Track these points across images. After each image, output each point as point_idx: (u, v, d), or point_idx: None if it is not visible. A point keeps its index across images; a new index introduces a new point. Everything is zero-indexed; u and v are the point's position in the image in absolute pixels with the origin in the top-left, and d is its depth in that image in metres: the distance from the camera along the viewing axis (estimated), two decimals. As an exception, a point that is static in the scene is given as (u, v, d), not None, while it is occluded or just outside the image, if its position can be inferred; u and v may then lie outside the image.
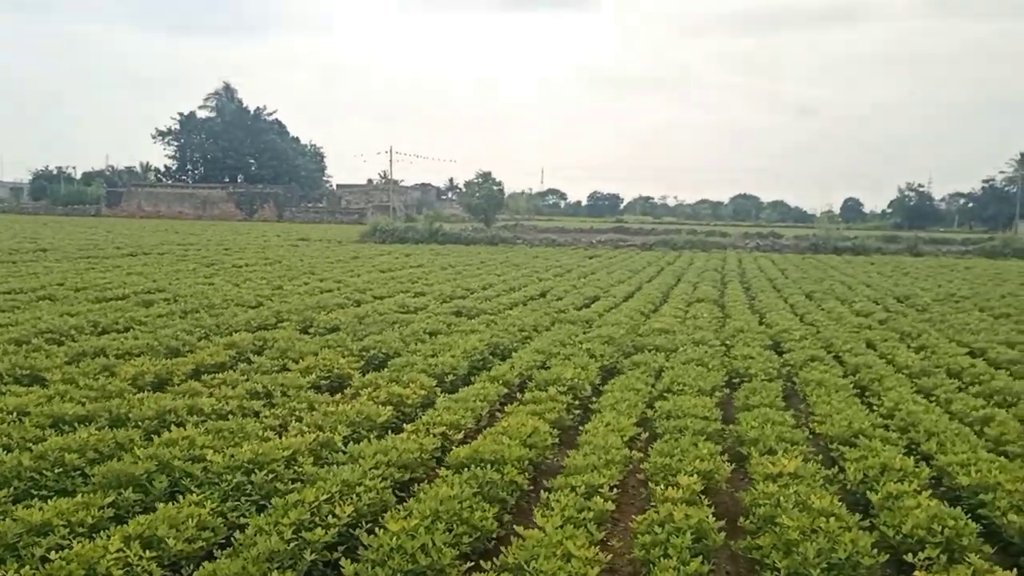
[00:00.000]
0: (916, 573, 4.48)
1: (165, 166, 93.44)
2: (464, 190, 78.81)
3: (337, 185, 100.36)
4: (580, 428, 7.34)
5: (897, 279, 26.64)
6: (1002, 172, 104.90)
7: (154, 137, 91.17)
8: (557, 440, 7.07)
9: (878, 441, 6.72)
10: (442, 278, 22.06)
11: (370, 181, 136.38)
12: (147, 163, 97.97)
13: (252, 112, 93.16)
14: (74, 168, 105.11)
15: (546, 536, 4.61)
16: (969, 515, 5.24)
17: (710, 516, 5.03)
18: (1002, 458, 6.45)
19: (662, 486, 5.58)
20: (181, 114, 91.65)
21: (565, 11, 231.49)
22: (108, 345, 9.89)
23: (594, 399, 8.42)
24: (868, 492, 5.65)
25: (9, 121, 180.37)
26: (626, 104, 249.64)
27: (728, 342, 12.42)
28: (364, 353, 10.34)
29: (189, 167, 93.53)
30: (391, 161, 76.74)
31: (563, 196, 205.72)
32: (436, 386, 8.72)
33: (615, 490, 5.75)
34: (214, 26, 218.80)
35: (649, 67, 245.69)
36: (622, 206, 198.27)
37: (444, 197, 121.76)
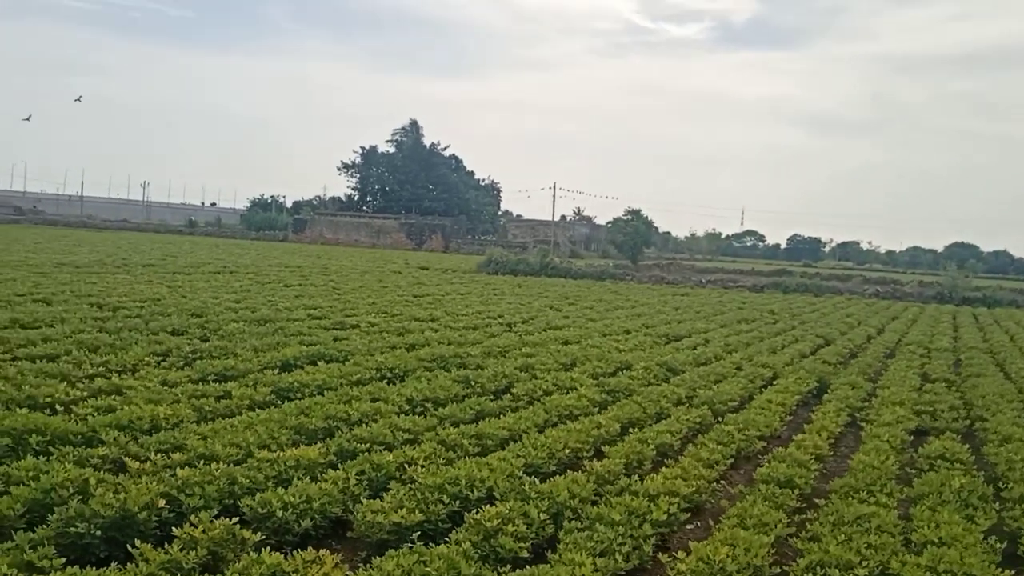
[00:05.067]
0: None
1: (347, 196, 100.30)
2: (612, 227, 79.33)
3: (506, 219, 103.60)
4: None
5: (940, 331, 25.09)
6: None
7: (339, 169, 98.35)
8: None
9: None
10: (455, 306, 23.01)
11: (564, 217, 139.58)
12: (343, 195, 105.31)
13: (428, 147, 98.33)
14: (284, 197, 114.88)
15: None
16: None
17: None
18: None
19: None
20: (363, 148, 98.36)
21: (771, 51, 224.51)
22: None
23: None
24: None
25: (241, 155, 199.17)
26: (837, 146, 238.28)
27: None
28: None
29: (368, 198, 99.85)
30: (554, 197, 78.15)
31: (761, 238, 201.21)
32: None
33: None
34: (428, 66, 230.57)
35: (862, 108, 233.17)
36: (826, 249, 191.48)
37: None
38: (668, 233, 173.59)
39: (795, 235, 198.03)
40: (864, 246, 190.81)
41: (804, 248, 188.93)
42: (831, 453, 9.09)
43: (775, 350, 17.62)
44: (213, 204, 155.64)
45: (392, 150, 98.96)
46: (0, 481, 6.03)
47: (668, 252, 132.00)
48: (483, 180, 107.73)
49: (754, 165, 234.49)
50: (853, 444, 9.95)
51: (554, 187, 78.17)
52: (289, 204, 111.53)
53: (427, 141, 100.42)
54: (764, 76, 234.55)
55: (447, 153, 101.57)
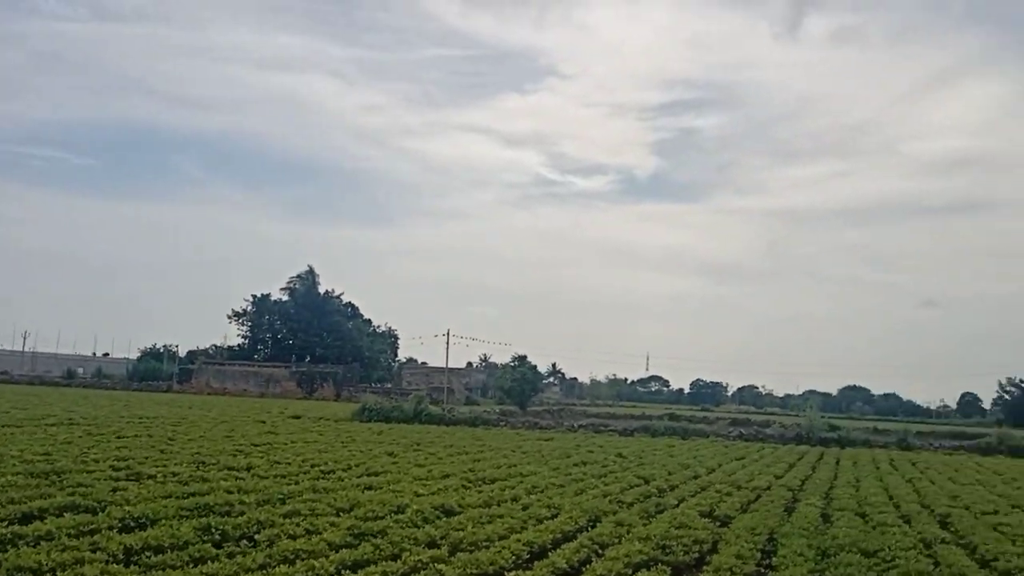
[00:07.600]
0: None
1: (238, 345, 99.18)
2: (500, 374, 79.99)
3: (400, 365, 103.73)
4: None
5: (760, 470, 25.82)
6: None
7: (229, 318, 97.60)
8: None
9: None
10: (285, 455, 22.66)
11: (469, 364, 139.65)
12: (237, 345, 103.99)
13: (323, 295, 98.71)
14: (177, 346, 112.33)
15: None
16: None
17: None
18: None
19: None
20: (255, 296, 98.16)
21: (673, 203, 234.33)
22: None
23: None
24: None
25: (136, 304, 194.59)
26: (737, 293, 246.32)
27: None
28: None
29: (260, 346, 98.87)
30: (447, 344, 78.47)
31: (666, 384, 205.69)
32: None
33: None
34: (336, 215, 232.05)
35: (759, 258, 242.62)
36: (728, 393, 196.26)
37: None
38: (575, 379, 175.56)
39: (698, 380, 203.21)
40: (761, 390, 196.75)
41: (707, 392, 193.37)
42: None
43: (582, 491, 17.84)
44: (105, 355, 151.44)
45: (286, 298, 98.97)
46: None
47: (571, 397, 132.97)
48: (379, 327, 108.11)
49: (660, 312, 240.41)
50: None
51: (447, 333, 78.71)
52: (183, 353, 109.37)
53: (323, 288, 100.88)
54: (667, 227, 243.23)
55: (344, 300, 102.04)
